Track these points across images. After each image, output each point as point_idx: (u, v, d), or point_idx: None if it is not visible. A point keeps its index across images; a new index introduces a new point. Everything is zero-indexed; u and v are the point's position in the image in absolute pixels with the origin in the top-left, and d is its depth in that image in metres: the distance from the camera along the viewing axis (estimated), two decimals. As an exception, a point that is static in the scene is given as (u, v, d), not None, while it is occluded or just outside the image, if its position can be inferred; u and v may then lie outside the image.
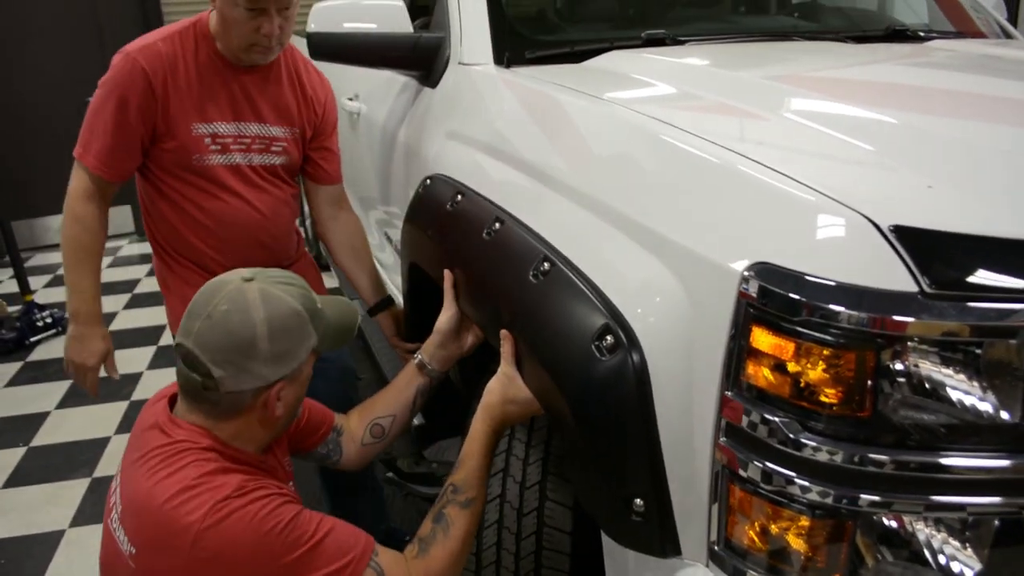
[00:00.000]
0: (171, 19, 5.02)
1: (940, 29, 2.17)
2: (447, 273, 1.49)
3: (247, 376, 1.20)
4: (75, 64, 4.93)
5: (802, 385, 0.86)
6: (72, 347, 1.73)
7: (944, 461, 0.82)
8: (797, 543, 0.88)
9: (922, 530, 0.85)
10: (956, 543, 0.84)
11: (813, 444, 0.85)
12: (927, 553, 0.84)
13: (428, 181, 1.68)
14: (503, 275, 1.29)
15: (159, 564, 1.13)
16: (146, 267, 4.76)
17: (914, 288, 0.81)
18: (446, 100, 1.82)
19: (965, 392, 0.82)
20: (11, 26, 4.90)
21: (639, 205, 1.11)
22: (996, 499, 0.83)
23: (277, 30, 1.63)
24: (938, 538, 0.84)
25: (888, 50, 1.87)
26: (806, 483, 0.85)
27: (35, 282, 4.36)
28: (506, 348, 1.27)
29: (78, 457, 2.82)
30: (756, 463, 0.89)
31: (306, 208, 2.23)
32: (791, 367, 0.86)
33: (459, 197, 1.51)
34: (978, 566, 0.84)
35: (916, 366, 0.82)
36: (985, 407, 0.82)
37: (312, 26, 1.84)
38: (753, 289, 0.88)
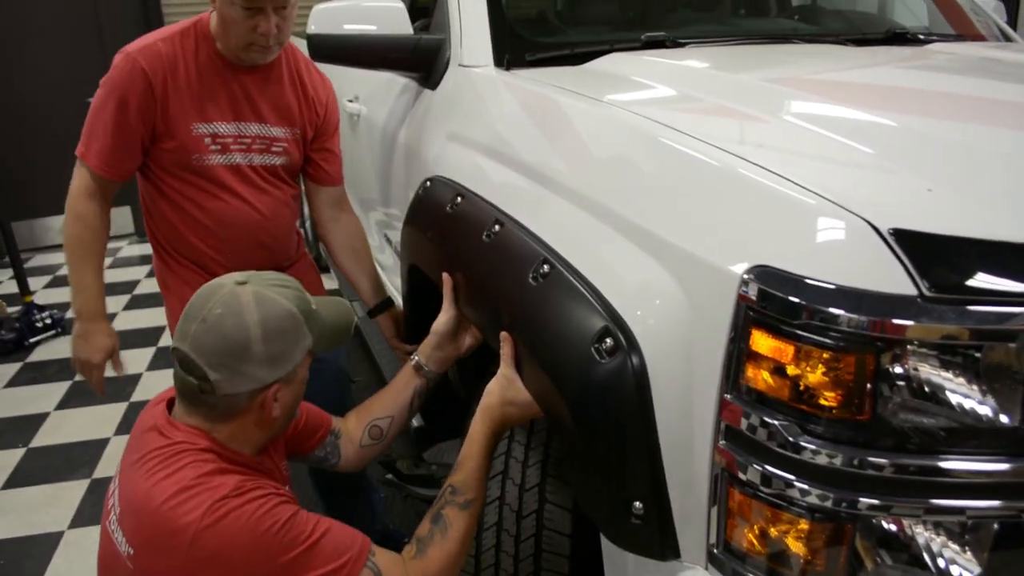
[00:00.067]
0: (172, 19, 5.02)
1: (940, 32, 2.17)
2: (446, 277, 1.49)
3: (243, 378, 1.21)
4: (75, 64, 4.93)
5: (801, 388, 0.86)
6: (78, 345, 1.74)
7: (943, 465, 0.82)
8: (796, 546, 0.88)
9: (921, 533, 0.85)
10: (955, 546, 0.84)
11: (812, 447, 0.85)
12: (926, 556, 0.84)
13: (428, 183, 1.68)
14: (503, 277, 1.29)
15: (157, 564, 1.13)
16: (146, 268, 4.76)
17: (914, 291, 0.81)
18: (446, 102, 1.82)
19: (965, 396, 0.82)
20: (11, 26, 4.90)
21: (639, 208, 1.11)
22: (995, 503, 0.83)
23: (274, 29, 1.63)
24: (937, 541, 0.84)
25: (888, 53, 1.87)
26: (805, 486, 0.85)
27: (35, 283, 4.36)
28: (506, 350, 1.27)
29: (77, 458, 2.82)
30: (755, 466, 0.89)
31: (306, 209, 2.23)
32: (791, 370, 0.86)
33: (459, 199, 1.51)
34: (977, 569, 0.84)
35: (916, 369, 0.82)
36: (985, 411, 0.82)
37: (312, 27, 1.84)
38: (753, 292, 0.88)
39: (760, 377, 0.88)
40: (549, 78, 1.61)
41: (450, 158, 1.67)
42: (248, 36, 1.64)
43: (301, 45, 2.11)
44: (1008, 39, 2.21)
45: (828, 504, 0.85)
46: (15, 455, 2.84)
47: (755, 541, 0.91)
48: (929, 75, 1.63)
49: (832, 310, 0.82)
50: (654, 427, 0.98)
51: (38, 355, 3.67)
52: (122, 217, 5.23)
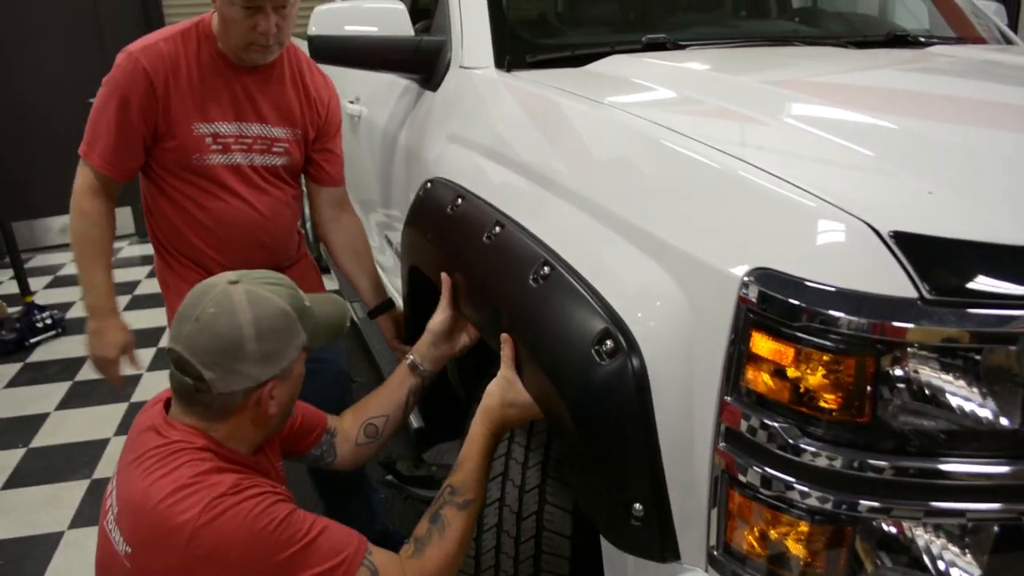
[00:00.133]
0: (172, 20, 5.02)
1: (941, 34, 2.17)
2: (445, 277, 1.49)
3: (237, 377, 1.21)
4: (76, 64, 4.93)
5: (802, 390, 0.86)
6: (92, 342, 1.75)
7: (944, 467, 0.82)
8: (796, 548, 0.88)
9: (921, 536, 0.85)
10: (955, 549, 0.84)
11: (812, 449, 0.85)
12: (926, 559, 0.84)
13: (429, 184, 1.68)
14: (503, 279, 1.29)
15: (154, 562, 1.13)
16: (146, 268, 4.76)
17: (914, 294, 0.81)
18: (447, 103, 1.82)
19: (965, 398, 0.82)
20: (11, 26, 4.90)
21: (639, 209, 1.11)
22: (996, 505, 0.83)
23: (274, 28, 1.63)
24: (937, 544, 0.84)
25: (889, 55, 1.87)
26: (805, 488, 0.85)
27: (35, 283, 4.36)
28: (506, 352, 1.27)
29: (78, 458, 2.82)
30: (755, 468, 0.89)
31: (307, 209, 2.23)
32: (791, 372, 0.86)
33: (459, 201, 1.51)
34: (977, 572, 0.84)
35: (916, 372, 0.82)
36: (985, 413, 0.82)
37: (313, 29, 1.85)
38: (753, 294, 0.88)
39: (760, 379, 0.88)
40: (550, 80, 1.61)
41: (451, 159, 1.67)
42: (248, 35, 1.64)
43: (303, 47, 2.11)
44: (1009, 42, 2.21)
45: (828, 506, 0.85)
46: (15, 455, 2.85)
47: (755, 543, 0.91)
48: (930, 78, 1.63)
49: (832, 312, 0.82)
50: (654, 429, 0.98)
51: (38, 355, 3.67)
52: (123, 218, 5.20)
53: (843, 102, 1.32)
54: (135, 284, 4.54)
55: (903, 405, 0.83)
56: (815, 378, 0.84)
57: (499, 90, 1.68)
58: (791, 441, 0.86)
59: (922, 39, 2.03)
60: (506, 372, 1.27)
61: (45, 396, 3.27)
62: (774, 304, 0.86)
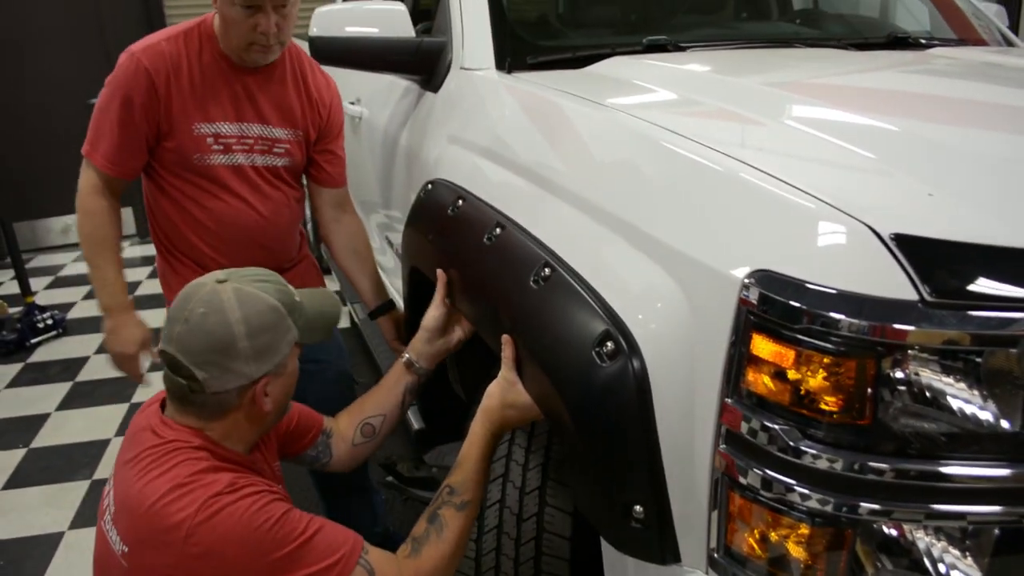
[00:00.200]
0: (173, 20, 5.02)
1: (941, 36, 2.17)
2: (439, 272, 1.50)
3: (230, 375, 1.22)
4: (77, 65, 4.94)
5: (802, 392, 0.85)
6: (110, 340, 1.76)
7: (944, 470, 0.82)
8: (797, 551, 0.88)
9: (922, 538, 0.84)
10: (956, 552, 0.84)
11: (813, 452, 0.85)
12: (927, 562, 0.84)
13: (429, 185, 1.68)
14: (504, 280, 1.29)
15: (151, 561, 1.14)
16: (147, 269, 4.76)
17: (914, 296, 0.81)
18: (448, 105, 1.82)
19: (965, 401, 0.82)
20: (13, 27, 4.90)
21: (640, 211, 1.11)
22: (996, 508, 0.83)
23: (274, 28, 1.63)
24: (938, 547, 0.84)
25: (889, 57, 1.87)
26: (806, 491, 0.85)
27: (36, 283, 4.37)
28: (507, 353, 1.27)
29: (78, 459, 2.82)
30: (756, 470, 0.88)
31: (308, 210, 2.23)
32: (791, 374, 0.86)
33: (460, 202, 1.51)
34: (978, 575, 0.84)
35: (916, 374, 0.82)
36: (985, 416, 0.82)
37: (314, 30, 1.85)
38: (754, 296, 0.88)
39: (761, 381, 0.88)
40: (550, 81, 1.61)
41: (451, 160, 1.67)
42: (248, 35, 1.64)
43: (305, 48, 2.11)
44: (1010, 44, 2.21)
45: (829, 509, 0.85)
46: (16, 455, 2.85)
47: (755, 545, 0.91)
48: (931, 80, 1.63)
49: (833, 314, 0.82)
50: (655, 431, 0.98)
51: (39, 356, 3.67)
52: (124, 218, 5.20)
53: (844, 104, 1.32)
54: (136, 285, 4.55)
55: (904, 407, 0.83)
56: (816, 380, 0.84)
57: (500, 91, 1.68)
58: (792, 443, 0.86)
59: (923, 41, 2.03)
60: (506, 373, 1.27)
61: (46, 396, 3.27)
62: (775, 306, 0.86)
